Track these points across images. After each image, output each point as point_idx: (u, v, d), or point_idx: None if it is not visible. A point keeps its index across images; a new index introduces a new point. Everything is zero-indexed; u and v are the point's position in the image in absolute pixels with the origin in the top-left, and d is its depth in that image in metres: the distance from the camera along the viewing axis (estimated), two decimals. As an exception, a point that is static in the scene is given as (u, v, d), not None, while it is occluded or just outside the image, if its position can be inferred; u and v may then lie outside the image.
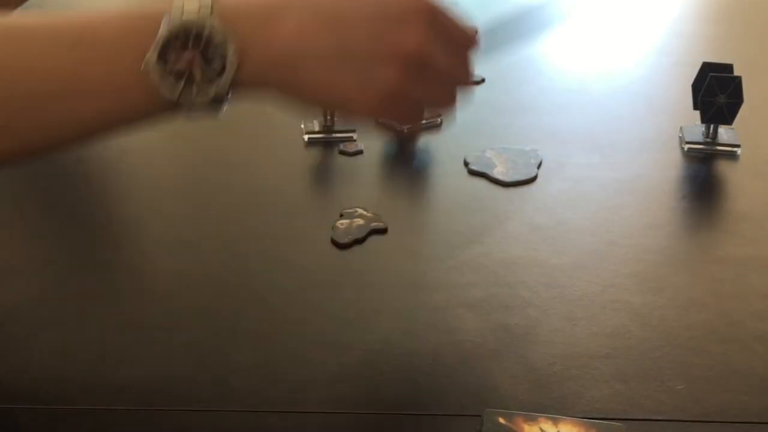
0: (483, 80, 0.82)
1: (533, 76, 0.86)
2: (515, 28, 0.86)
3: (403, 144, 0.68)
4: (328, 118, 0.70)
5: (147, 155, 0.68)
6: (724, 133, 0.68)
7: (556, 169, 0.65)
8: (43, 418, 0.41)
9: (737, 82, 0.65)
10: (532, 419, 0.38)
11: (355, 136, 0.69)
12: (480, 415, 0.39)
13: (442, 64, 0.44)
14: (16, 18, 0.45)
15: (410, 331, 0.47)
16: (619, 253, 0.54)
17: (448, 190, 0.63)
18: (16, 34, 0.41)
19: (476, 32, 0.47)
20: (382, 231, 0.56)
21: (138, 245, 0.56)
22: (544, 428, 0.38)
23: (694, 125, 0.69)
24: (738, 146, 0.67)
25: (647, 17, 1.08)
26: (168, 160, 0.68)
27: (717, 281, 0.51)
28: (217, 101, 0.41)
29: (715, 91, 0.65)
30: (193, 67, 0.40)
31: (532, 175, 0.63)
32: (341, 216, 0.57)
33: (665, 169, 0.65)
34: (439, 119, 0.73)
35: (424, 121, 0.72)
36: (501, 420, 0.38)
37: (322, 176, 0.66)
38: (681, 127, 0.70)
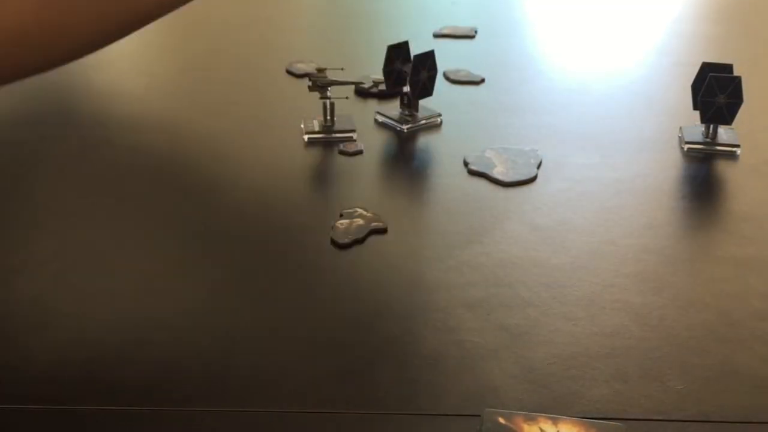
0: (483, 80, 0.82)
1: (533, 76, 0.87)
2: None
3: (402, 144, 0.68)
4: (328, 118, 0.70)
5: (147, 155, 0.68)
6: (723, 133, 0.68)
7: (556, 169, 0.65)
8: (43, 418, 0.41)
9: (737, 82, 0.65)
10: (531, 419, 0.38)
11: (354, 136, 0.69)
12: (480, 415, 0.39)
13: None
14: None
15: (410, 331, 0.47)
16: (619, 253, 0.54)
17: (448, 190, 0.63)
18: None
19: None
20: (382, 231, 0.56)
21: (138, 245, 0.56)
22: (543, 428, 0.38)
23: (693, 125, 0.69)
24: (738, 146, 0.67)
25: (647, 17, 1.08)
26: (168, 159, 0.68)
27: (717, 281, 0.51)
28: None
29: (715, 91, 0.65)
30: None
31: (532, 175, 0.64)
32: (341, 216, 0.57)
33: (665, 169, 0.65)
34: (439, 119, 0.73)
35: (423, 121, 0.72)
36: (500, 420, 0.38)
37: (322, 176, 0.66)
38: (680, 127, 0.70)
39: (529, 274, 0.52)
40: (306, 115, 0.71)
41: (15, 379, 0.43)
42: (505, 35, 1.00)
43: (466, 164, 0.65)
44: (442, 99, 0.75)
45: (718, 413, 0.41)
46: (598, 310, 0.49)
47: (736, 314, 0.48)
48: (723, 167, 0.66)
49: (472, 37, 0.96)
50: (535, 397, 0.42)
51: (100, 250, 0.55)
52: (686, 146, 0.68)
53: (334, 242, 0.55)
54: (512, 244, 0.55)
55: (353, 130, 0.70)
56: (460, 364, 0.44)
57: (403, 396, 0.42)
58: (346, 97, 0.73)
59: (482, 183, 0.63)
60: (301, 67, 0.84)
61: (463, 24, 0.99)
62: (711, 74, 0.66)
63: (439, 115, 0.73)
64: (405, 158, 0.69)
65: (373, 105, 0.76)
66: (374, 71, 0.77)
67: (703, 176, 0.65)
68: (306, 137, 0.69)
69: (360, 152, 0.67)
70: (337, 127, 0.70)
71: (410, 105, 0.72)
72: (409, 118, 0.72)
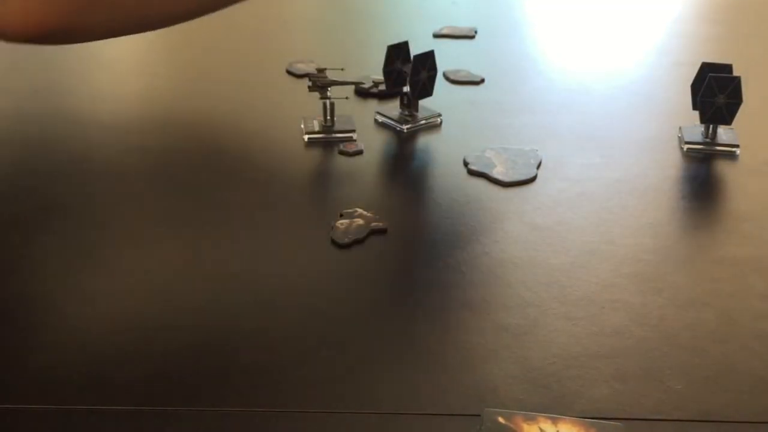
0: (483, 80, 0.82)
1: (533, 76, 0.87)
2: None
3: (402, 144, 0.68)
4: (328, 118, 0.70)
5: (147, 155, 0.68)
6: (723, 133, 0.68)
7: (556, 169, 0.65)
8: (43, 418, 0.41)
9: (736, 82, 0.65)
10: (531, 419, 0.38)
11: (354, 136, 0.69)
12: (479, 415, 0.39)
13: None
14: None
15: (410, 330, 0.47)
16: (619, 253, 0.54)
17: (448, 190, 0.63)
18: None
19: None
20: (382, 231, 0.56)
21: (138, 245, 0.56)
22: (543, 428, 0.38)
23: (693, 125, 0.69)
24: (737, 146, 0.67)
25: (647, 17, 1.08)
26: (168, 159, 0.68)
27: (717, 281, 0.51)
28: None
29: (715, 91, 0.65)
30: None
31: (532, 175, 0.64)
32: (341, 216, 0.57)
33: (665, 169, 0.65)
34: (438, 119, 0.73)
35: (423, 121, 0.72)
36: (500, 420, 0.38)
37: (321, 176, 0.66)
38: (680, 128, 0.70)
39: (529, 274, 0.52)
40: (306, 115, 0.71)
41: (15, 379, 0.43)
42: (505, 35, 1.00)
43: (466, 164, 0.65)
44: (442, 99, 0.75)
45: (717, 413, 0.41)
46: (598, 310, 0.49)
47: (736, 314, 0.48)
48: (722, 167, 0.66)
49: (471, 37, 0.96)
50: (534, 397, 0.42)
51: (100, 250, 0.55)
52: (686, 146, 0.68)
53: (334, 242, 0.55)
54: (512, 244, 0.55)
55: (353, 130, 0.70)
56: (460, 364, 0.44)
57: (403, 396, 0.42)
58: (346, 97, 0.73)
59: (482, 183, 0.63)
60: (301, 67, 0.84)
61: (462, 24, 0.99)
62: (710, 74, 0.66)
63: (439, 115, 0.73)
64: (405, 158, 0.69)
65: (373, 105, 0.76)
66: (374, 71, 0.77)
67: (702, 176, 0.65)
68: (306, 137, 0.69)
69: (360, 152, 0.67)
70: (337, 127, 0.70)
71: (410, 105, 0.72)
72: (409, 118, 0.72)
